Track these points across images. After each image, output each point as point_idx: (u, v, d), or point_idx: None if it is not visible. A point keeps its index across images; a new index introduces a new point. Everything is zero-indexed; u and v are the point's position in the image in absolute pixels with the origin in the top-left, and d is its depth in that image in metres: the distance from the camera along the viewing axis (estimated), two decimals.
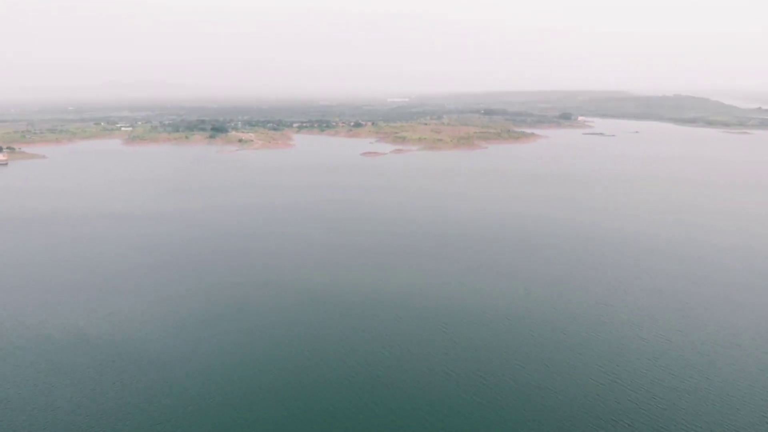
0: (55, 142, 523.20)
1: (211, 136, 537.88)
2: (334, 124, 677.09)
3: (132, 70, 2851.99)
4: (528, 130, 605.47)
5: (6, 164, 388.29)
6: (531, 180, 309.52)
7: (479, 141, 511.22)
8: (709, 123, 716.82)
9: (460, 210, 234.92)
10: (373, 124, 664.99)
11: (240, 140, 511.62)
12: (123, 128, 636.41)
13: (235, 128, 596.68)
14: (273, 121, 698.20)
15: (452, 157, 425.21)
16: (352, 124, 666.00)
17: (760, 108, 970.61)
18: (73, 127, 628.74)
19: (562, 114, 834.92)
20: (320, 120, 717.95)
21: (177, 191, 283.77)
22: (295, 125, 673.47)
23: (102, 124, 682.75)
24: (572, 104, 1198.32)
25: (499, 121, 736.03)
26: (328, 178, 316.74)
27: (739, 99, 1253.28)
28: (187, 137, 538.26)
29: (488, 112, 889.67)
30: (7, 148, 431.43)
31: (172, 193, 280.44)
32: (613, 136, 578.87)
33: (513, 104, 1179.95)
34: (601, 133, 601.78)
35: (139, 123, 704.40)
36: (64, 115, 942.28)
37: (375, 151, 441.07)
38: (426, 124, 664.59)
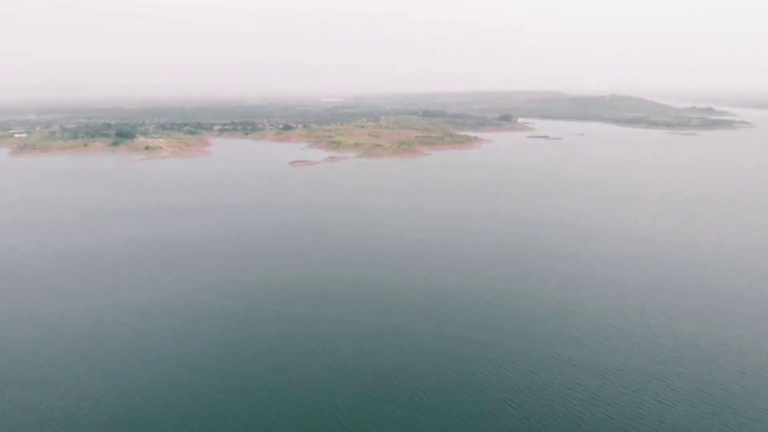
0: None
1: (115, 143, 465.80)
2: (260, 126, 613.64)
3: (41, 68, 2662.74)
4: (471, 134, 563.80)
5: None
6: (492, 197, 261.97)
7: (421, 146, 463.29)
8: (652, 124, 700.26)
9: (413, 250, 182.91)
10: (304, 126, 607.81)
11: (147, 147, 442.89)
12: (16, 134, 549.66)
13: (145, 133, 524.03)
14: (191, 124, 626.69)
15: (394, 165, 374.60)
16: (280, 126, 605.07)
17: (694, 107, 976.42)
18: None
19: (502, 116, 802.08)
20: (245, 122, 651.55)
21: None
22: (215, 128, 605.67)
23: None
24: (509, 105, 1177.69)
25: (439, 123, 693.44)
26: (241, 199, 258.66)
27: (672, 99, 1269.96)
28: (86, 145, 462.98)
29: (427, 114, 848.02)
30: None
31: None
32: (560, 139, 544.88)
33: (450, 105, 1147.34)
34: (546, 136, 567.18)
35: (38, 128, 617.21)
36: None
37: (306, 159, 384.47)
38: (363, 126, 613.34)
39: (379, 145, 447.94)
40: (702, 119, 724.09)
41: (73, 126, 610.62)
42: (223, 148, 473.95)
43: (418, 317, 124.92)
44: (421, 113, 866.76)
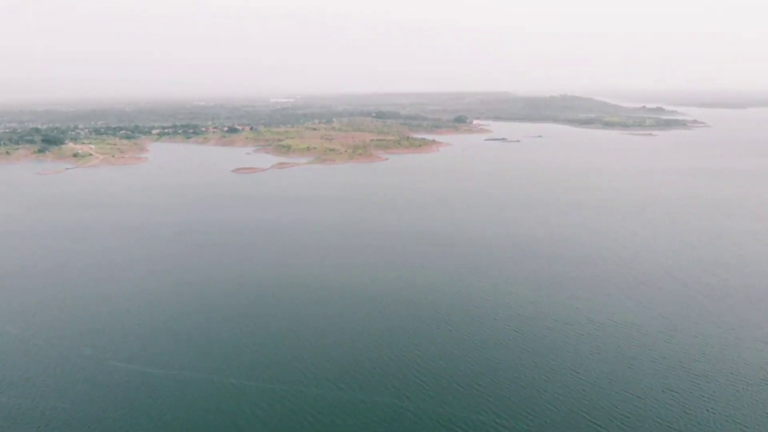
0: None
1: (41, 150, 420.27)
2: (203, 129, 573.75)
3: None
4: (427, 137, 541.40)
5: None
6: (467, 209, 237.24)
7: (378, 150, 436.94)
8: (607, 124, 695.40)
9: (376, 289, 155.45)
10: (251, 129, 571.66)
11: (76, 155, 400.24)
12: None
13: (76, 138, 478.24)
14: (128, 128, 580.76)
15: (350, 172, 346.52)
16: (225, 129, 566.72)
17: (644, 107, 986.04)
18: None
19: (457, 117, 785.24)
20: (187, 125, 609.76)
21: None
22: (154, 132, 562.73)
23: None
24: (462, 106, 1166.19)
25: (393, 125, 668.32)
26: (166, 217, 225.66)
27: (620, 98, 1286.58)
28: (8, 152, 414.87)
29: (380, 116, 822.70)
30: None
31: None
32: (518, 141, 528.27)
33: (404, 107, 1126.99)
34: (503, 138, 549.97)
35: None
36: None
37: (252, 166, 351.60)
38: (315, 129, 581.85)
39: (333, 150, 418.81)
40: (655, 119, 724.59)
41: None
42: (161, 154, 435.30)
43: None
44: (374, 115, 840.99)
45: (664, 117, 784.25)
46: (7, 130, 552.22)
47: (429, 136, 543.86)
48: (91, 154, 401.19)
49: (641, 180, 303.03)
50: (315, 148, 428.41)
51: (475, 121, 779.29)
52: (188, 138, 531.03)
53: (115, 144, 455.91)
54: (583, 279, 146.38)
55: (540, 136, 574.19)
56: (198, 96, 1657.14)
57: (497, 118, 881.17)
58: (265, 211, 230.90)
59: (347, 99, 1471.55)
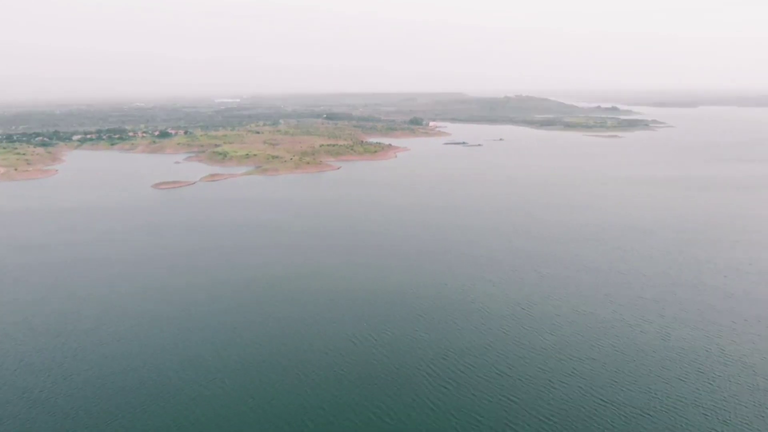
0: None
1: None
2: (131, 135, 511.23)
3: None
4: (382, 140, 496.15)
5: None
6: (438, 232, 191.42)
7: (328, 157, 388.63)
8: (568, 125, 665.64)
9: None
10: (186, 133, 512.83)
11: None
12: None
13: None
14: (45, 134, 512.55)
15: (294, 184, 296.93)
16: (156, 134, 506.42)
17: (599, 107, 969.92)
18: None
19: (413, 119, 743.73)
20: (113, 130, 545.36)
21: None
22: (75, 138, 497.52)
23: None
24: (416, 107, 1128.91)
25: (346, 128, 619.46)
26: (35, 257, 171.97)
27: (572, 98, 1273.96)
28: None
29: (332, 117, 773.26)
30: None
31: None
32: (480, 145, 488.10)
33: (356, 108, 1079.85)
34: (464, 142, 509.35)
35: None
36: None
37: (177, 180, 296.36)
38: (258, 132, 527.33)
39: (277, 157, 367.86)
40: (616, 119, 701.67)
41: None
42: (77, 165, 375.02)
43: None
44: (325, 116, 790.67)
45: (623, 117, 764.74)
46: None
47: (384, 140, 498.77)
48: None
49: (642, 194, 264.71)
50: (255, 155, 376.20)
51: (431, 123, 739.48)
52: (113, 145, 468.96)
53: (23, 154, 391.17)
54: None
55: (501, 139, 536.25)
56: (138, 97, 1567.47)
57: (454, 119, 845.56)
58: (178, 243, 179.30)
59: (297, 99, 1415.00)
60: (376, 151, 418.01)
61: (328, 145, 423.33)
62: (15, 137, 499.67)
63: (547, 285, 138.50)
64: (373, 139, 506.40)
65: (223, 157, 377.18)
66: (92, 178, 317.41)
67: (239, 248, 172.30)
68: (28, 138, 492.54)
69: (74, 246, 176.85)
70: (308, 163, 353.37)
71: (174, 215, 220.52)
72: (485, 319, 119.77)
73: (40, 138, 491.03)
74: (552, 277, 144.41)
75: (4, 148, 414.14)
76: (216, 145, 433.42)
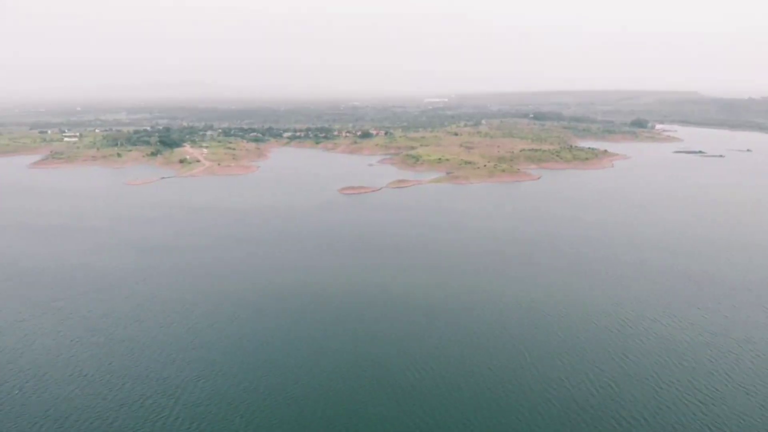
0: None
1: (153, 154, 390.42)
2: (335, 134, 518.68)
3: (170, 71, 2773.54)
4: (596, 145, 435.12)
5: None
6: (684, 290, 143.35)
7: (527, 164, 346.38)
8: None
9: None
10: (386, 134, 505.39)
11: (182, 160, 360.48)
12: (66, 138, 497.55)
13: (196, 141, 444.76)
14: (259, 131, 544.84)
15: (483, 195, 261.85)
16: (358, 134, 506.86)
17: None
18: (6, 139, 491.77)
19: (635, 121, 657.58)
20: (319, 129, 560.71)
21: None
22: (285, 135, 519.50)
23: (49, 132, 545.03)
24: (638, 107, 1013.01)
25: (553, 129, 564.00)
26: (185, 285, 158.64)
27: None
28: (119, 155, 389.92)
29: (539, 117, 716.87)
30: None
31: None
32: (721, 156, 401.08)
33: (568, 106, 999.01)
34: (700, 152, 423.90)
35: (98, 131, 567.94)
36: (65, 117, 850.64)
37: (362, 186, 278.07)
38: (456, 134, 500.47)
39: (470, 163, 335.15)
40: None
41: (130, 129, 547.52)
42: (278, 162, 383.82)
43: None
44: (531, 116, 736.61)
45: None
46: (139, 130, 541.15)
47: (599, 145, 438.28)
48: (198, 161, 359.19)
49: None
50: (448, 160, 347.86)
51: (657, 126, 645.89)
52: (317, 143, 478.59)
53: (234, 149, 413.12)
54: None
55: (749, 150, 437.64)
56: (355, 96, 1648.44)
57: (684, 122, 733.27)
58: (338, 264, 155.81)
59: (503, 98, 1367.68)
60: (587, 159, 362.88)
61: (529, 150, 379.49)
62: (232, 131, 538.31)
63: None
64: (585, 144, 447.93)
65: (415, 161, 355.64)
66: (286, 177, 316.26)
67: (397, 268, 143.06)
68: (243, 133, 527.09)
69: (208, 250, 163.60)
70: (503, 170, 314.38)
71: (351, 225, 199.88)
72: None
73: (254, 134, 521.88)
74: None
75: (219, 142, 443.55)
76: (411, 148, 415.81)
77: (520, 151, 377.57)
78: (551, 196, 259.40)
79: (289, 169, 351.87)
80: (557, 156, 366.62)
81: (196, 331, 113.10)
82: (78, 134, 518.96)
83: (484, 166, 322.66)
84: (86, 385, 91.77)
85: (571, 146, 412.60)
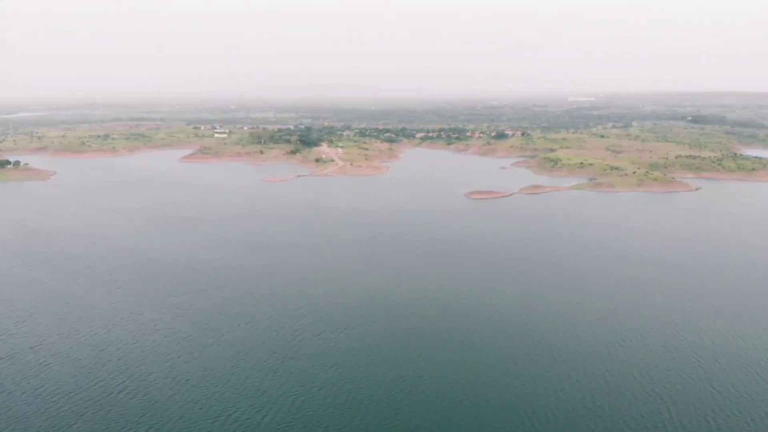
0: (110, 152, 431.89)
1: (293, 152, 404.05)
2: (468, 135, 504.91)
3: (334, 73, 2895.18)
4: (764, 154, 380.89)
5: None
6: None
7: (684, 172, 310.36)
8: None
9: None
10: (523, 134, 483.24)
11: (318, 159, 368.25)
12: (217, 134, 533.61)
13: (333, 141, 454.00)
14: (394, 131, 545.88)
15: (632, 206, 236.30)
16: (493, 134, 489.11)
17: None
18: (163, 133, 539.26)
19: None
20: (452, 129, 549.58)
21: None
22: (418, 135, 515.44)
23: (201, 128, 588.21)
24: None
25: (714, 135, 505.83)
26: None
27: None
28: (262, 152, 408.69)
29: (698, 120, 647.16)
30: (13, 162, 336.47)
31: None
32: None
33: (731, 109, 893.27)
34: None
35: (242, 127, 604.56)
36: (219, 114, 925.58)
37: (491, 191, 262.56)
38: (603, 136, 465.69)
39: (617, 168, 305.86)
40: None
41: (275, 127, 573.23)
42: (408, 163, 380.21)
43: None
44: (690, 118, 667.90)
45: None
46: (282, 128, 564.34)
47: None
48: (332, 160, 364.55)
49: None
50: (591, 164, 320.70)
51: None
52: (449, 144, 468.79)
53: (368, 149, 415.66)
54: None
55: None
56: (494, 96, 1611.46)
57: None
58: (452, 274, 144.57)
59: (658, 98, 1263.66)
60: (753, 169, 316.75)
61: (686, 157, 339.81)
62: (367, 131, 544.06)
63: None
64: (751, 152, 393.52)
65: (553, 165, 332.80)
66: (413, 179, 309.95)
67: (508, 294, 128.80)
68: (378, 133, 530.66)
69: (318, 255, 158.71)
70: (655, 179, 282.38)
71: (475, 233, 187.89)
72: None
73: (388, 134, 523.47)
74: None
75: (354, 142, 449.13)
76: (550, 150, 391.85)
77: (676, 157, 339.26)
78: (712, 210, 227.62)
79: (417, 170, 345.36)
80: (719, 164, 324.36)
81: (302, 341, 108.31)
82: (227, 131, 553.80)
83: (633, 173, 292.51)
84: (185, 392, 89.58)
85: (735, 154, 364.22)
